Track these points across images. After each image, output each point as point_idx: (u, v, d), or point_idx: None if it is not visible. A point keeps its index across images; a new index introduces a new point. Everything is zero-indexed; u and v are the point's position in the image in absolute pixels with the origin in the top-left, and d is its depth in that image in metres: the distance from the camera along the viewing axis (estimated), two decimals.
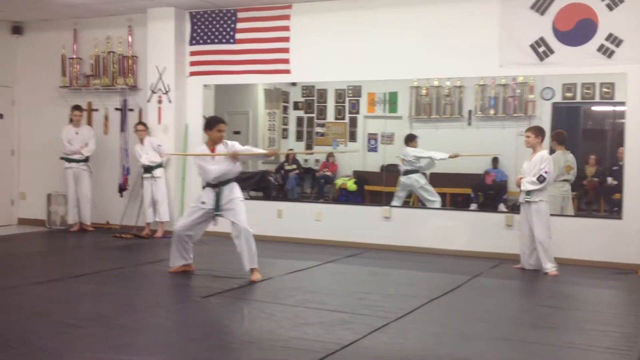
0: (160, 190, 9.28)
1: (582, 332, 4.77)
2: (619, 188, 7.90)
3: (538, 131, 7.29)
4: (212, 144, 6.38)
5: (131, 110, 9.87)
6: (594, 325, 4.96)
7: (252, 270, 6.30)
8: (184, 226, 6.43)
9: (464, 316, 5.20)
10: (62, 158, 9.71)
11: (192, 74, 9.72)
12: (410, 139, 10.24)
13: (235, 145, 6.40)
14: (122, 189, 9.74)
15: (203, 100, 9.86)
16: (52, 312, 5.02)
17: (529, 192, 7.07)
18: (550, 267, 6.94)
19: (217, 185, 6.32)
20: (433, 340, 4.57)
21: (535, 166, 7.05)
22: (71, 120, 9.77)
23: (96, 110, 10.23)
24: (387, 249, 8.44)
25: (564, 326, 4.92)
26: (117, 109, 9.97)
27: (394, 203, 9.39)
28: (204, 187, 6.50)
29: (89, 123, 10.13)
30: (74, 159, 9.65)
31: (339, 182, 11.61)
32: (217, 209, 6.31)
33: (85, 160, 9.72)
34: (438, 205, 9.52)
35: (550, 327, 4.86)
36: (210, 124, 6.41)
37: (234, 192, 6.41)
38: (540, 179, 7.02)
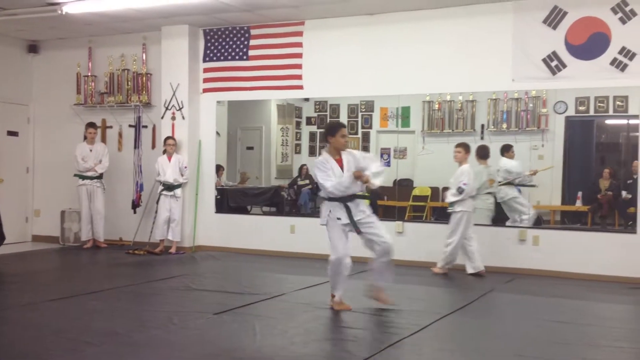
0: (178, 210, 9.32)
1: (597, 348, 4.71)
2: (633, 202, 7.83)
3: (467, 147, 7.97)
4: (335, 152, 5.70)
5: (145, 127, 9.95)
6: (609, 342, 4.89)
7: (378, 289, 5.81)
8: (342, 248, 5.65)
9: (478, 332, 5.17)
10: (75, 175, 9.80)
11: (206, 90, 9.79)
12: (505, 149, 9.68)
13: (365, 158, 5.75)
14: (135, 205, 9.79)
15: (216, 117, 9.92)
16: (67, 329, 5.04)
17: (452, 203, 7.68)
18: (439, 268, 7.72)
19: (342, 199, 5.65)
20: (447, 356, 4.54)
21: (458, 179, 7.68)
22: (85, 138, 9.87)
23: (110, 127, 10.33)
24: (400, 264, 8.33)
25: (578, 342, 4.86)
26: (131, 126, 10.05)
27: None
28: (323, 200, 5.79)
29: (103, 140, 10.23)
30: (87, 176, 9.73)
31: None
32: (355, 225, 5.60)
33: (99, 177, 9.80)
34: (526, 222, 8.85)
35: (565, 343, 4.81)
36: (332, 129, 5.69)
37: (365, 206, 5.81)
38: (460, 191, 7.67)
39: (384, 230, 5.72)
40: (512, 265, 7.90)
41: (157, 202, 9.40)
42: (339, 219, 5.63)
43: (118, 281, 7.13)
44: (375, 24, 8.74)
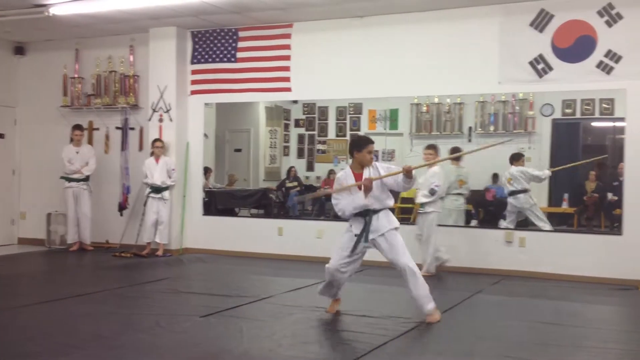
0: (166, 213, 9.28)
1: (583, 350, 4.73)
2: (619, 204, 7.89)
3: (437, 149, 8.09)
4: (359, 167, 5.43)
5: (132, 129, 9.90)
6: (595, 343, 4.92)
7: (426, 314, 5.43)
8: (336, 261, 5.49)
9: (466, 334, 5.17)
10: (62, 177, 9.74)
11: (194, 92, 9.76)
12: (516, 158, 9.52)
13: (389, 169, 5.43)
14: (122, 207, 9.75)
15: (204, 119, 9.89)
16: (53, 332, 5.00)
17: (422, 204, 7.80)
18: (425, 271, 7.56)
19: (362, 213, 5.40)
20: (434, 358, 4.55)
21: (428, 180, 7.79)
22: (72, 140, 9.80)
23: (97, 129, 10.27)
24: (389, 266, 8.38)
25: (565, 343, 4.88)
26: (118, 128, 10.00)
27: (505, 225, 9.01)
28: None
29: (90, 142, 10.17)
30: (74, 178, 9.67)
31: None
32: (365, 239, 5.36)
33: (86, 179, 9.74)
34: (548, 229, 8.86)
35: (552, 345, 4.82)
36: (360, 144, 5.41)
37: (388, 220, 5.44)
38: (432, 192, 7.81)
39: (402, 249, 5.38)
40: (499, 266, 7.93)
41: (145, 205, 9.35)
42: (355, 234, 5.42)
43: (104, 284, 7.09)
44: (364, 26, 8.75)
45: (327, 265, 5.56)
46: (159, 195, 9.25)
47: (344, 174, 5.49)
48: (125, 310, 5.84)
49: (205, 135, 10.12)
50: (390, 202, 5.52)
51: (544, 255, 7.88)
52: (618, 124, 8.96)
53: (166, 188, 9.29)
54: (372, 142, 5.46)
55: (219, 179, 12.07)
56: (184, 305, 6.10)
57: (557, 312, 6.02)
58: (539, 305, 6.35)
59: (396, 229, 5.45)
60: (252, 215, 11.20)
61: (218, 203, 10.61)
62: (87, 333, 4.97)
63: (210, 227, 9.66)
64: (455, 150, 9.15)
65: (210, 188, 10.73)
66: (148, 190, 9.30)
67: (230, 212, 10.88)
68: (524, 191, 9.25)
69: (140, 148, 9.88)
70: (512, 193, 9.31)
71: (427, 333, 5.16)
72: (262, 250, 9.23)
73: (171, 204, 9.42)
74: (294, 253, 9.01)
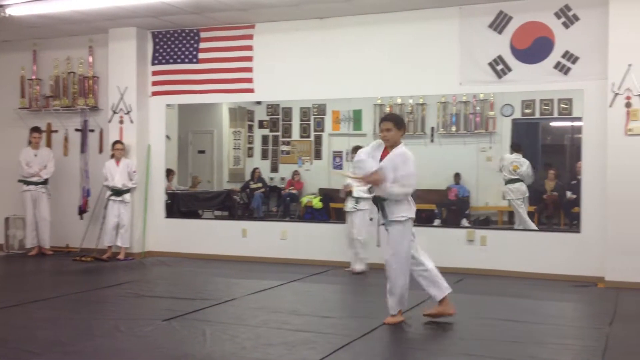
0: (127, 216, 9.15)
1: (544, 346, 4.81)
2: (577, 202, 8.05)
3: None
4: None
5: (92, 131, 9.76)
6: (555, 339, 5.00)
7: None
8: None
9: (428, 332, 5.21)
10: (20, 181, 9.53)
11: (155, 93, 9.65)
12: (516, 149, 9.79)
13: (396, 168, 5.37)
14: (82, 211, 9.59)
15: (166, 120, 9.79)
16: (10, 338, 4.88)
17: (358, 201, 7.90)
18: (359, 268, 7.93)
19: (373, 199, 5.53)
20: (397, 357, 4.57)
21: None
22: (30, 142, 9.60)
23: (56, 131, 10.09)
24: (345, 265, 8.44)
25: (526, 340, 4.95)
26: (77, 130, 9.84)
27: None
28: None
29: (49, 145, 9.99)
30: (32, 182, 9.48)
31: (304, 200, 11.59)
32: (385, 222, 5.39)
33: (44, 182, 9.55)
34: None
35: (513, 342, 4.88)
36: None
37: (396, 209, 5.38)
38: (371, 190, 7.58)
39: (394, 243, 5.38)
40: (461, 265, 8.01)
41: (105, 208, 9.21)
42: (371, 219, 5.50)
43: (64, 289, 6.95)
44: (326, 28, 8.77)
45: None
46: (119, 198, 9.12)
47: (377, 143, 5.61)
48: (85, 315, 5.74)
49: (168, 137, 10.02)
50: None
51: (505, 254, 7.99)
52: (576, 123, 9.13)
53: (127, 191, 9.16)
54: (385, 119, 5.55)
55: (182, 180, 11.94)
56: (146, 309, 6.01)
57: (518, 309, 6.11)
58: (500, 302, 6.44)
59: (398, 221, 5.34)
60: (216, 217, 11.11)
61: (181, 205, 10.51)
62: (45, 339, 4.88)
63: (173, 230, 9.57)
64: (356, 148, 9.37)
65: (173, 190, 10.61)
66: (109, 193, 9.16)
67: (193, 214, 10.79)
68: (521, 180, 9.39)
69: (100, 150, 9.73)
70: (513, 181, 9.39)
71: (391, 333, 5.19)
72: (226, 253, 9.17)
73: (133, 207, 9.29)
74: (258, 255, 8.98)
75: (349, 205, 8.07)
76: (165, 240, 9.51)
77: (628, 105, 7.24)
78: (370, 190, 7.66)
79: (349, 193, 8.08)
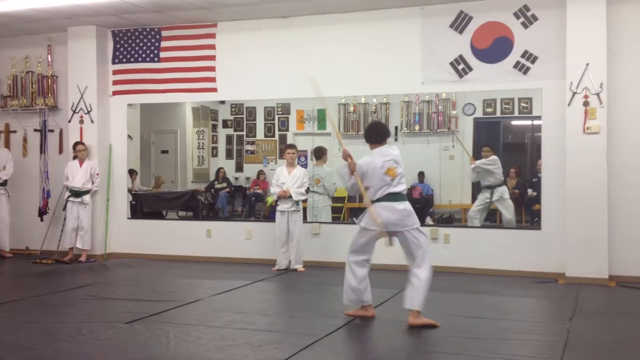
0: (87, 217, 8.99)
1: (505, 342, 4.89)
2: (538, 199, 8.19)
3: (296, 149, 8.69)
4: None
5: (51, 131, 9.59)
6: (517, 335, 5.09)
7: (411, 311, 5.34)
8: None
9: (393, 330, 5.24)
10: None
11: (116, 93, 9.52)
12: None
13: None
14: (42, 212, 9.41)
15: (128, 120, 9.67)
16: None
17: (297, 202, 8.17)
18: (300, 265, 8.16)
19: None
20: (361, 356, 4.59)
21: (299, 180, 8.26)
22: None
23: (14, 132, 9.89)
24: (319, 265, 8.46)
25: (487, 336, 5.02)
26: (36, 130, 9.66)
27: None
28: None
29: (7, 145, 9.80)
30: None
31: (270, 199, 11.54)
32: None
33: (3, 184, 9.35)
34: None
35: (474, 338, 4.95)
36: None
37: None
38: (307, 191, 8.43)
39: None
40: None
41: (65, 209, 9.04)
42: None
43: (24, 292, 6.82)
44: (289, 27, 8.75)
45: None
46: (78, 199, 8.96)
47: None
48: (45, 319, 5.63)
49: (130, 137, 9.88)
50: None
51: (468, 251, 8.09)
52: (536, 122, 9.29)
53: (86, 192, 9.00)
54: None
55: (145, 181, 11.81)
56: (108, 311, 5.93)
57: (481, 305, 6.19)
58: (464, 299, 6.51)
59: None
60: (180, 218, 11.00)
61: (144, 206, 10.39)
62: (5, 343, 4.78)
63: (136, 231, 9.45)
64: (318, 150, 9.72)
65: (135, 191, 10.48)
66: (67, 193, 9.00)
67: (157, 215, 10.67)
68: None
69: (60, 151, 9.57)
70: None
71: (356, 331, 5.21)
72: (191, 253, 9.10)
73: (94, 208, 9.14)
74: (223, 255, 8.93)
75: (286, 205, 8.20)
76: (128, 241, 9.39)
77: (586, 104, 7.40)
78: (306, 191, 8.15)
79: (288, 197, 8.18)
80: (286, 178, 8.31)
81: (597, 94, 7.35)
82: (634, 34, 7.44)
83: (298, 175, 8.32)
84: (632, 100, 7.43)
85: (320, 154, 9.91)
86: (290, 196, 8.19)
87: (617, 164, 7.43)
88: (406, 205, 5.47)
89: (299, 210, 8.25)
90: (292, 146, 8.72)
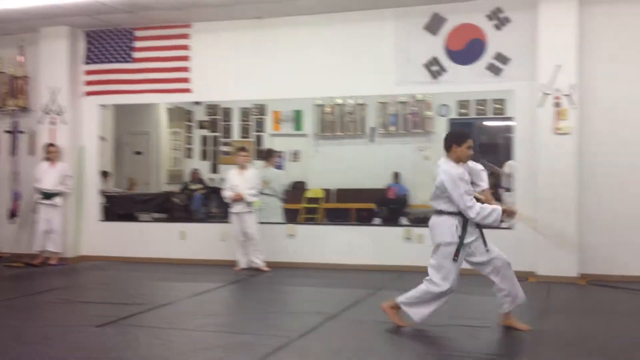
0: (58, 220, 8.87)
1: (477, 340, 4.91)
2: (511, 199, 8.25)
3: (249, 151, 8.76)
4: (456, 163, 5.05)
5: (22, 132, 9.45)
6: (488, 333, 5.10)
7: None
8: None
9: (366, 331, 5.24)
10: None
11: (88, 93, 9.42)
12: None
13: (480, 172, 5.16)
14: (12, 215, 9.29)
15: (101, 121, 9.57)
16: None
17: (250, 203, 8.23)
18: (262, 263, 8.22)
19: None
20: (334, 357, 4.58)
21: (251, 181, 8.33)
22: None
23: None
24: (292, 266, 8.45)
25: (458, 335, 5.03)
26: (7, 132, 9.52)
27: None
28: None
29: None
30: None
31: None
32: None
33: None
34: None
35: (446, 337, 4.99)
36: (460, 138, 5.03)
37: None
38: (260, 192, 8.56)
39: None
40: (399, 263, 8.10)
41: (35, 212, 8.92)
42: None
43: None
44: (264, 28, 8.73)
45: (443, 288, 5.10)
46: (49, 201, 8.83)
47: (461, 169, 4.95)
48: (14, 323, 5.53)
49: (102, 138, 9.79)
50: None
51: None
52: (509, 123, 9.38)
53: (57, 194, 8.88)
54: (471, 138, 5.08)
55: (119, 183, 11.70)
56: (78, 315, 5.84)
57: (453, 305, 6.11)
58: None
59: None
60: (154, 220, 10.92)
61: (117, 208, 10.29)
62: None
63: (108, 233, 9.35)
64: (266, 152, 9.92)
65: (108, 193, 10.38)
66: (38, 196, 8.88)
67: (130, 217, 10.57)
68: None
69: (32, 152, 9.43)
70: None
71: (328, 332, 5.20)
72: (164, 256, 9.02)
73: (65, 211, 9.02)
74: (197, 257, 8.86)
75: (239, 207, 8.26)
76: (101, 244, 9.28)
77: (557, 105, 7.48)
78: (260, 192, 8.31)
79: (241, 199, 8.23)
80: (238, 180, 8.35)
81: (569, 95, 7.43)
82: (605, 35, 7.53)
83: (250, 177, 8.37)
84: (603, 101, 7.52)
85: (267, 156, 9.98)
86: (244, 198, 8.23)
87: (588, 164, 7.52)
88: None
89: (252, 211, 8.30)
90: (244, 148, 8.81)
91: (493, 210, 4.90)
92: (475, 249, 5.07)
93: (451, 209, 4.98)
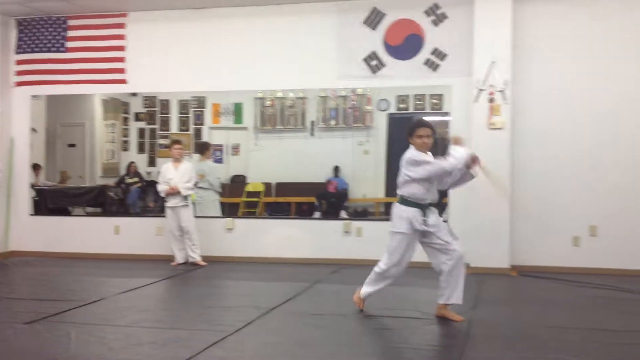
0: None
1: (412, 331, 4.98)
2: (445, 193, 8.37)
3: (183, 144, 8.75)
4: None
5: None
6: (422, 325, 5.19)
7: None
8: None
9: (302, 324, 5.25)
10: None
11: (19, 83, 9.10)
12: None
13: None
14: None
15: (32, 112, 9.25)
16: None
17: (186, 196, 8.20)
18: (199, 258, 8.20)
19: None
20: (270, 350, 4.56)
21: (186, 174, 8.29)
22: None
23: None
24: (230, 260, 8.39)
25: (395, 327, 5.10)
26: None
27: None
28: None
29: None
30: None
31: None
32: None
33: None
34: None
35: (382, 329, 5.06)
36: (410, 129, 5.29)
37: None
38: (197, 185, 8.61)
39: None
40: (338, 256, 8.16)
41: None
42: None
43: None
44: (202, 18, 8.60)
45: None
46: None
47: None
48: None
49: (34, 130, 9.46)
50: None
51: (380, 244, 8.15)
52: (446, 118, 9.53)
53: None
54: (425, 125, 5.26)
55: (51, 176, 11.32)
56: (6, 311, 5.63)
57: (389, 297, 6.22)
58: (380, 293, 6.56)
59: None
60: (88, 214, 10.62)
61: (49, 202, 9.96)
62: None
63: (39, 228, 9.06)
64: (202, 145, 9.91)
65: (40, 186, 10.03)
66: None
67: (63, 212, 10.25)
68: None
69: None
70: None
71: (265, 325, 5.18)
72: (98, 251, 8.81)
73: None
74: (131, 252, 8.69)
75: (175, 201, 8.20)
76: (31, 239, 8.99)
77: (491, 100, 7.65)
78: (195, 185, 8.24)
79: (176, 192, 8.16)
80: (173, 174, 8.26)
81: (502, 91, 7.61)
82: (539, 31, 7.75)
83: (185, 170, 8.29)
84: (536, 97, 7.74)
85: (203, 149, 9.90)
86: (179, 192, 8.12)
87: (520, 158, 7.73)
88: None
89: (188, 205, 8.22)
90: (179, 141, 8.74)
91: (460, 150, 5.17)
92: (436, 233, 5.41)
93: (412, 197, 5.36)
